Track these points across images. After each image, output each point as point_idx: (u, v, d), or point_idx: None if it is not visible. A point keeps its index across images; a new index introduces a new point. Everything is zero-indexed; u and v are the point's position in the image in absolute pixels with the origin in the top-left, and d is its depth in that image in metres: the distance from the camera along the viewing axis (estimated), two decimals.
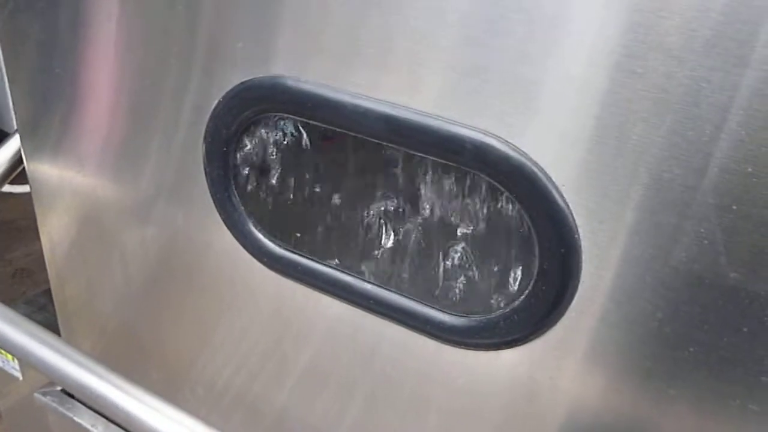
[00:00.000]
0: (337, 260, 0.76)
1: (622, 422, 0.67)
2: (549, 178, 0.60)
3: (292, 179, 0.76)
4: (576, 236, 0.61)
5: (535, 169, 0.60)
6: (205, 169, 0.80)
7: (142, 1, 0.77)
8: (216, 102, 0.75)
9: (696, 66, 0.52)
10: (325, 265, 0.77)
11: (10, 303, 1.16)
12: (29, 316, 1.14)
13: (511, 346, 0.69)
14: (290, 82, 0.69)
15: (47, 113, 0.94)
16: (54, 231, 1.06)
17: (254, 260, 0.82)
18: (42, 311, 1.58)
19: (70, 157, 0.95)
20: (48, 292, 1.65)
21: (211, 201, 0.82)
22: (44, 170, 1.00)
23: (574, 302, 0.64)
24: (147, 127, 0.85)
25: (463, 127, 0.62)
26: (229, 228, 0.82)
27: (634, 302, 0.61)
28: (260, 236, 0.80)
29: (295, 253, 0.78)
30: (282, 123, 0.74)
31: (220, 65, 0.74)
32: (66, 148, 0.95)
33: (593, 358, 0.66)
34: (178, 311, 0.98)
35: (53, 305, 1.59)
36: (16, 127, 1.01)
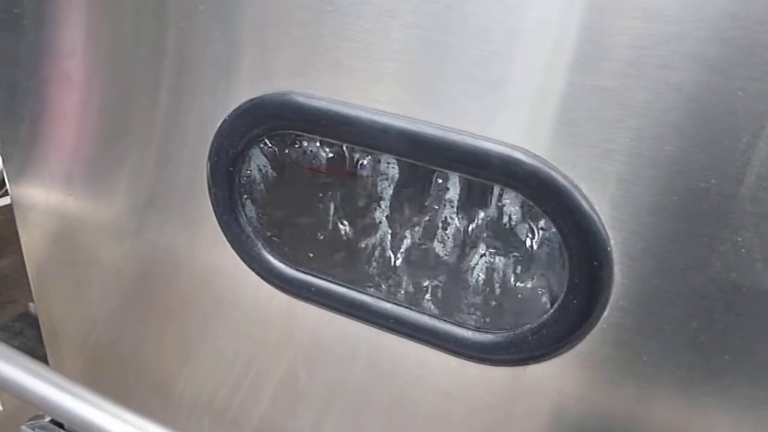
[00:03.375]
0: (353, 279, 0.74)
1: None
2: (580, 191, 0.59)
3: (304, 198, 0.73)
4: (608, 248, 0.60)
5: (566, 183, 0.59)
6: (209, 189, 0.77)
7: (141, 18, 0.73)
8: (221, 120, 0.72)
9: (732, 75, 0.51)
10: (340, 285, 0.75)
11: None
12: (5, 342, 1.09)
13: (540, 361, 0.68)
14: (302, 99, 0.67)
15: (30, 135, 0.89)
16: (40, 255, 1.01)
17: (262, 282, 0.80)
18: (19, 337, 1.52)
19: (57, 180, 0.91)
20: (24, 317, 1.59)
21: (215, 222, 0.79)
22: (28, 193, 0.95)
23: (605, 314, 0.63)
24: (143, 147, 0.82)
25: (489, 141, 0.61)
26: (235, 250, 0.79)
27: (668, 312, 0.61)
28: (270, 257, 0.77)
29: (308, 273, 0.76)
30: (291, 140, 0.71)
31: (225, 82, 0.71)
32: (53, 170, 0.91)
33: (625, 370, 0.65)
34: (178, 336, 0.94)
35: (31, 330, 1.53)
36: None
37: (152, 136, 0.80)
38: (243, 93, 0.70)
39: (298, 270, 0.76)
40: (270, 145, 0.72)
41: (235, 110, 0.71)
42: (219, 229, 0.80)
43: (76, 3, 0.77)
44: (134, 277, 0.93)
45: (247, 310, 0.84)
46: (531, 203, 0.62)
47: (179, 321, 0.93)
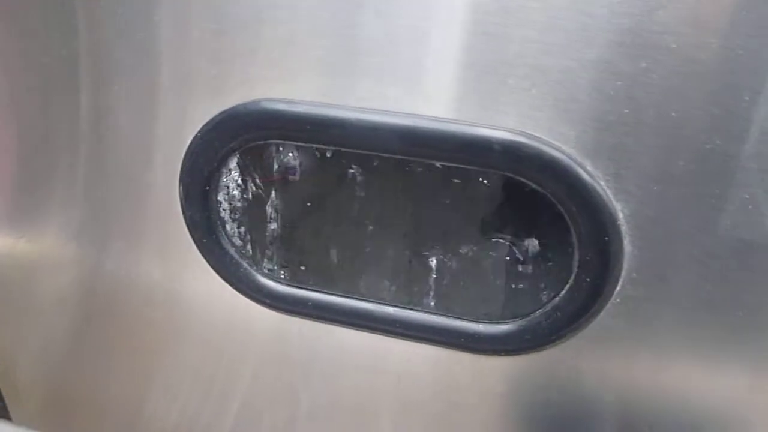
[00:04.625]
0: (353, 288, 0.71)
1: (675, 397, 0.66)
2: (584, 168, 0.58)
3: (292, 209, 0.69)
4: (617, 222, 0.60)
5: (570, 161, 0.58)
6: (183, 212, 0.72)
7: (100, 36, 0.67)
8: (192, 137, 0.67)
9: (730, 35, 0.51)
10: (339, 295, 0.71)
11: None
12: None
13: (557, 344, 0.67)
14: (281, 106, 0.63)
15: None
16: None
17: (251, 303, 0.75)
18: None
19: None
20: None
21: (191, 246, 0.74)
22: None
23: (618, 288, 0.63)
24: (101, 173, 0.76)
25: (487, 127, 0.59)
26: (219, 273, 0.74)
27: (681, 277, 0.61)
28: (259, 276, 0.73)
29: (302, 288, 0.72)
30: (271, 150, 0.67)
31: (192, 96, 0.66)
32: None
33: (641, 340, 0.65)
34: (159, 370, 0.88)
35: None
36: None
37: (107, 163, 0.74)
38: (213, 105, 0.66)
39: (291, 285, 0.72)
40: (245, 157, 0.68)
41: (206, 125, 0.66)
42: (196, 252, 0.75)
43: None
44: (102, 314, 0.87)
45: (237, 334, 0.79)
46: (535, 186, 0.60)
47: (160, 354, 0.87)
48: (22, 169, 0.80)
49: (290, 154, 0.66)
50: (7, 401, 1.06)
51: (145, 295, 0.82)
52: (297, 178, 0.67)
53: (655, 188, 0.58)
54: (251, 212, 0.70)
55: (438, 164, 0.62)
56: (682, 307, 0.62)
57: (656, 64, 0.53)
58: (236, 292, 0.75)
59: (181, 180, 0.70)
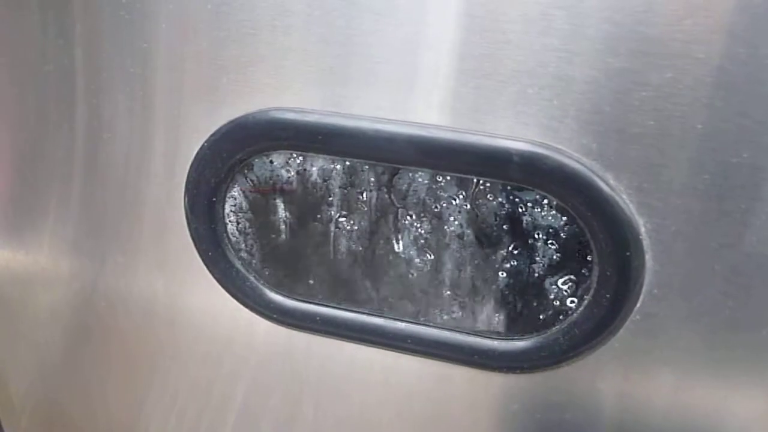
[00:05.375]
0: (363, 303, 0.69)
1: (695, 418, 0.64)
2: (607, 182, 0.57)
3: (301, 221, 0.67)
4: (640, 237, 0.58)
5: (592, 174, 0.56)
6: (188, 224, 0.69)
7: (100, 47, 0.65)
8: (199, 147, 0.65)
9: (760, 44, 0.50)
10: (349, 310, 0.69)
11: None
12: None
13: (574, 361, 0.65)
14: (292, 115, 0.61)
15: None
16: None
17: (256, 317, 0.73)
18: None
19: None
20: None
21: (196, 258, 0.72)
22: None
23: (638, 305, 0.61)
24: (99, 186, 0.73)
25: (507, 138, 0.57)
26: (224, 286, 0.72)
27: (704, 294, 0.59)
28: (266, 291, 0.70)
29: (311, 303, 0.70)
30: (280, 160, 0.65)
31: (198, 105, 0.64)
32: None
33: (661, 358, 0.63)
34: (160, 388, 0.85)
35: None
36: None
37: (106, 175, 0.72)
38: (221, 115, 0.64)
39: (299, 300, 0.70)
40: (253, 167, 0.66)
41: (213, 135, 0.64)
42: (201, 265, 0.72)
43: None
44: (100, 328, 0.84)
45: (241, 350, 0.77)
46: (555, 200, 0.59)
47: (159, 369, 0.84)
48: (19, 182, 0.78)
49: (300, 164, 0.64)
50: (1, 416, 1.04)
51: (144, 309, 0.80)
52: (306, 189, 0.65)
53: (679, 202, 0.56)
54: (259, 224, 0.68)
55: (452, 175, 0.60)
56: (705, 324, 0.60)
57: (683, 74, 0.52)
58: (240, 306, 0.73)
59: (186, 191, 0.68)
